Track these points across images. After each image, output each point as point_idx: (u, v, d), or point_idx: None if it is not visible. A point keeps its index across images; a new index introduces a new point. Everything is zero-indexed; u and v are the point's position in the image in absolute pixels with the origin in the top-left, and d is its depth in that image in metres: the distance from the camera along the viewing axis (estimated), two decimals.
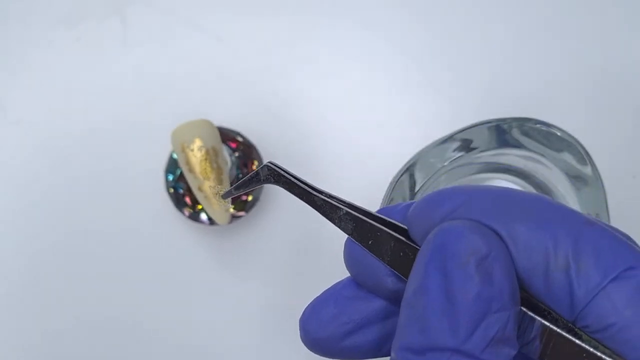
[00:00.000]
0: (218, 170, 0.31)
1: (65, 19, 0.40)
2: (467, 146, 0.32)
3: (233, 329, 0.38)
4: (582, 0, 0.41)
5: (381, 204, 0.33)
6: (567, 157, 0.31)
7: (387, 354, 0.24)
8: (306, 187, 0.24)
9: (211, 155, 0.31)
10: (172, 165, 0.39)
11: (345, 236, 0.24)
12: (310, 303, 0.24)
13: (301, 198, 0.24)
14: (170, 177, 0.39)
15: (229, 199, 0.30)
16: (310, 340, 0.24)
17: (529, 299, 0.22)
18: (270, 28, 0.40)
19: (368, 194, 0.38)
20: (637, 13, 0.41)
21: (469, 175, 0.36)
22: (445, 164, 0.33)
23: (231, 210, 0.31)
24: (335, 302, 0.24)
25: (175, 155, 0.38)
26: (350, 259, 0.24)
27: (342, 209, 0.24)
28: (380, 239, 0.23)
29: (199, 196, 0.32)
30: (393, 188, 0.32)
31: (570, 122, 0.33)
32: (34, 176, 0.41)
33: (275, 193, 0.39)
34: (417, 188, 0.33)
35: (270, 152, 0.38)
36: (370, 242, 0.23)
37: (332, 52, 0.40)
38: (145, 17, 0.40)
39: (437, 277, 0.20)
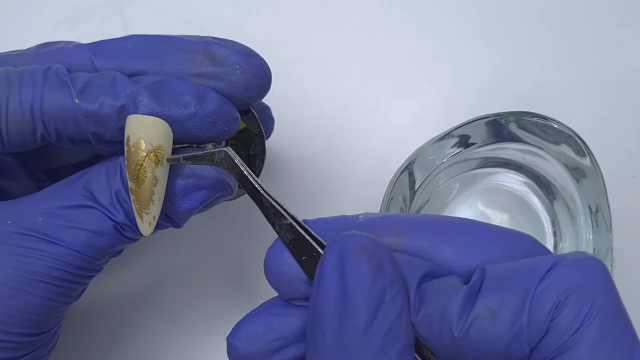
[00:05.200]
0: (150, 182, 0.26)
1: (67, 19, 0.41)
2: (465, 142, 0.32)
3: None
4: None
5: (382, 202, 0.33)
6: (565, 149, 0.31)
7: None
8: (257, 185, 0.24)
9: (149, 162, 0.26)
10: None
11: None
12: (238, 321, 0.24)
13: (249, 193, 0.24)
14: None
15: (155, 215, 0.27)
16: (239, 356, 0.24)
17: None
18: (269, 28, 0.40)
19: (369, 193, 0.38)
20: None
21: (467, 171, 0.36)
22: (444, 160, 0.33)
23: (154, 223, 0.28)
24: (264, 319, 0.24)
25: None
26: (270, 274, 0.24)
27: (287, 218, 0.24)
28: (314, 259, 0.23)
29: (130, 195, 0.27)
30: (393, 187, 0.32)
31: (569, 122, 0.33)
32: None
33: None
34: (416, 186, 0.33)
35: (270, 153, 0.38)
36: (303, 258, 0.23)
37: (331, 52, 0.40)
38: (145, 17, 0.40)
39: (334, 279, 0.21)
